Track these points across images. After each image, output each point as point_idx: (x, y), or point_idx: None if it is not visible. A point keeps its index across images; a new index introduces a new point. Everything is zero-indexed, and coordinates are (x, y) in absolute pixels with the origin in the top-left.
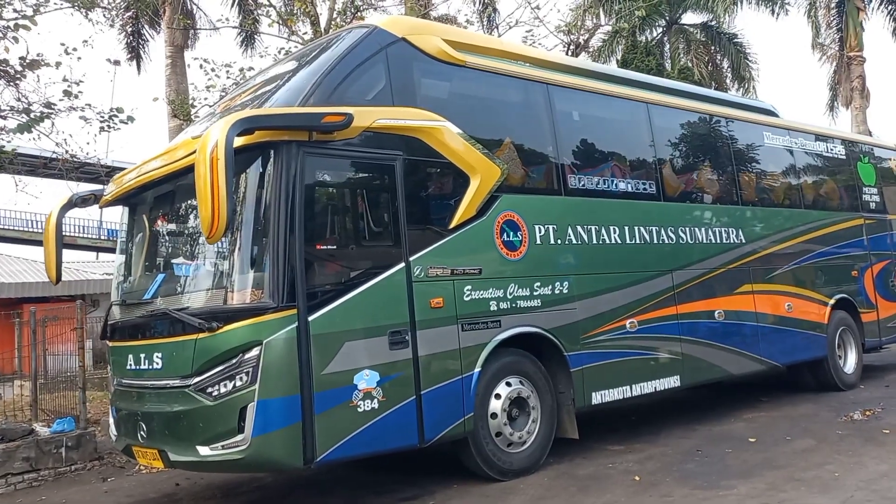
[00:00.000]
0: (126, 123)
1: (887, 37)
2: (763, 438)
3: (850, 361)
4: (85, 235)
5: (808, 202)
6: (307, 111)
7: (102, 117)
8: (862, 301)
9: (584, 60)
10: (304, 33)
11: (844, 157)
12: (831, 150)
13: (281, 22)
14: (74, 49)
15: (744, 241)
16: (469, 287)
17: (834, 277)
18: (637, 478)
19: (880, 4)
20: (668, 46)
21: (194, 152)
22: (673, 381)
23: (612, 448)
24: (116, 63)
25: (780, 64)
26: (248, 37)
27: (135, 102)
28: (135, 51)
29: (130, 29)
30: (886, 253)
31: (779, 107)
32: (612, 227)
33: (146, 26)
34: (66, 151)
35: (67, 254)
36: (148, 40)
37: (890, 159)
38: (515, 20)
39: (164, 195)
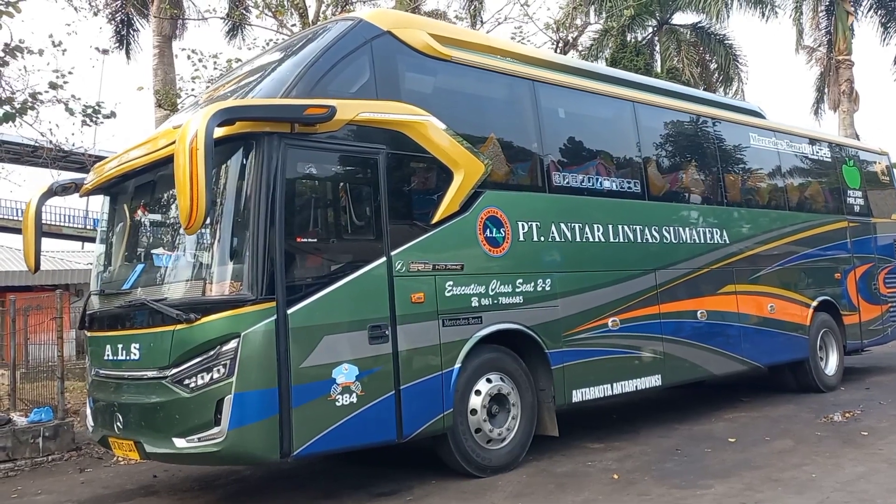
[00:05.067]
0: (109, 118)
1: (876, 40)
2: (742, 439)
3: (832, 363)
4: (70, 225)
5: (792, 204)
6: (289, 103)
7: (86, 111)
8: (844, 304)
9: (570, 58)
10: (292, 25)
11: (830, 159)
12: (817, 152)
13: (269, 12)
14: (60, 42)
15: (728, 241)
16: (451, 283)
17: (817, 280)
18: (616, 476)
19: (870, 9)
20: (658, 47)
21: (174, 142)
22: (654, 381)
23: (591, 446)
24: (105, 52)
25: (765, 66)
26: (235, 27)
27: (122, 91)
28: (123, 39)
29: (119, 17)
30: (869, 256)
31: (764, 108)
32: (595, 226)
33: (136, 15)
34: (51, 142)
35: (53, 243)
36: (138, 29)
37: (875, 163)
38: (504, 16)
39: (144, 184)
